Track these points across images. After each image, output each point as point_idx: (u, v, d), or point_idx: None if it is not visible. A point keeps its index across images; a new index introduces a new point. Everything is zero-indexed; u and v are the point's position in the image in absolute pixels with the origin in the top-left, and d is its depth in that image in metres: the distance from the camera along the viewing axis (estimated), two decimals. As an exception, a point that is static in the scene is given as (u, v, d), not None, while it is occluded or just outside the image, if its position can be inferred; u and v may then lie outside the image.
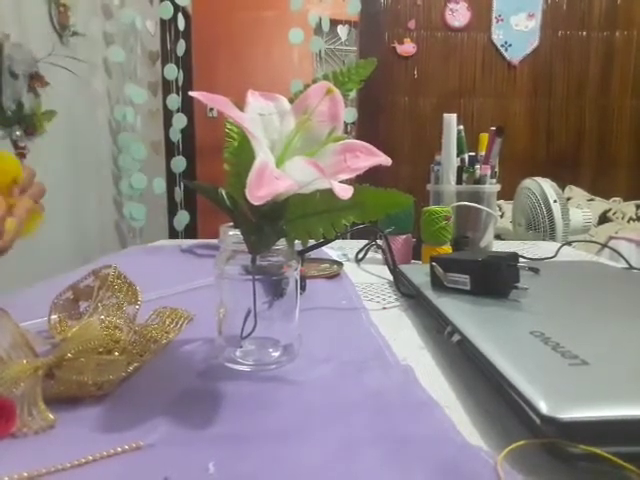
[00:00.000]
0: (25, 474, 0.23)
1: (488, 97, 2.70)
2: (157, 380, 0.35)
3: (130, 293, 0.39)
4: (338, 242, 0.96)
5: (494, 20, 2.66)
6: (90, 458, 0.25)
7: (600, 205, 2.57)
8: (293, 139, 0.32)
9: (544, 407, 0.25)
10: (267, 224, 0.33)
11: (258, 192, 0.26)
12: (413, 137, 2.72)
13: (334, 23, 2.65)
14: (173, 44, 2.47)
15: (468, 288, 0.48)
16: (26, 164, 0.41)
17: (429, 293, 0.50)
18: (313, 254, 0.70)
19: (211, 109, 3.49)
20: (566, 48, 2.68)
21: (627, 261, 0.77)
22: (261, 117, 0.32)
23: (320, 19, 2.47)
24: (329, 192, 0.28)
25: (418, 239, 0.78)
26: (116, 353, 0.32)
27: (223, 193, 0.35)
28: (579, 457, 0.23)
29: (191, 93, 0.28)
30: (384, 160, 0.31)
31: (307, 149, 0.32)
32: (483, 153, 0.86)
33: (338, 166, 0.31)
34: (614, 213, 2.54)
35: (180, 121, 2.39)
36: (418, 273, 0.58)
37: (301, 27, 2.37)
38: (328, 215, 0.35)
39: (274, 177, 0.28)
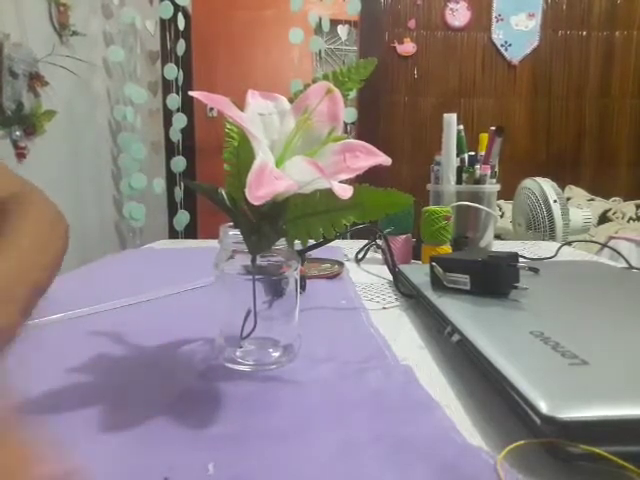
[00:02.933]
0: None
1: (488, 97, 2.70)
2: (157, 380, 0.35)
3: None
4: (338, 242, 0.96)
5: (494, 20, 2.65)
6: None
7: (600, 205, 2.57)
8: (293, 139, 0.32)
9: (544, 407, 0.25)
10: (267, 224, 0.33)
11: (258, 192, 0.26)
12: (413, 137, 2.72)
13: (334, 23, 2.65)
14: (173, 44, 2.47)
15: (468, 288, 0.48)
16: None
17: (429, 293, 0.50)
18: (314, 253, 0.70)
19: (211, 109, 3.49)
20: (566, 48, 2.68)
21: (627, 261, 0.77)
22: (261, 117, 0.32)
23: (320, 19, 2.47)
24: (329, 192, 0.28)
25: (418, 239, 0.78)
26: None
27: (223, 193, 0.35)
28: (579, 457, 0.23)
29: (191, 93, 0.28)
30: (384, 160, 0.31)
31: (307, 149, 0.32)
32: (483, 153, 0.86)
33: (338, 166, 0.31)
34: (614, 213, 2.54)
35: (180, 121, 2.39)
36: (418, 273, 0.58)
37: (301, 27, 2.37)
38: (328, 215, 0.35)
39: (274, 177, 0.28)
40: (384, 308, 0.54)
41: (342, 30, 2.66)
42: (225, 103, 0.29)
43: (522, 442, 0.25)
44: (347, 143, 0.32)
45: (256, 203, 0.26)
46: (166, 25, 2.61)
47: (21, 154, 1.45)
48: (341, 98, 0.33)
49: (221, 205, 0.34)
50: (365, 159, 0.31)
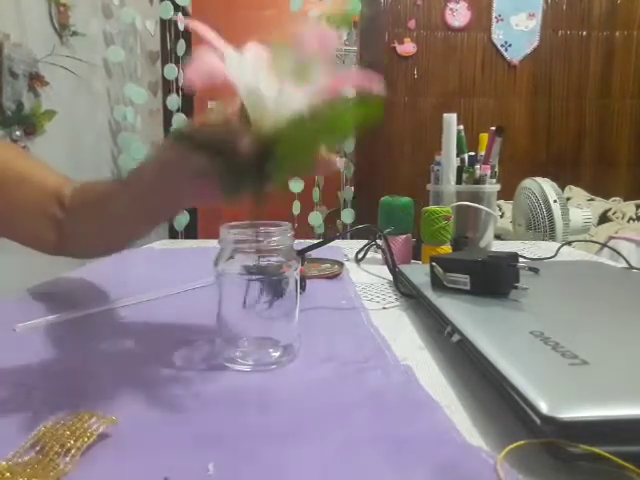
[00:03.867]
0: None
1: (488, 97, 2.70)
2: (157, 380, 0.35)
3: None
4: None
5: (494, 20, 2.65)
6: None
7: (600, 205, 2.57)
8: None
9: (544, 407, 0.25)
10: (255, 166, 0.33)
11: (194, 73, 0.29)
12: (413, 137, 2.71)
13: (334, 23, 2.65)
14: (173, 44, 2.47)
15: (468, 288, 0.48)
16: None
17: (429, 293, 0.50)
18: (314, 253, 0.70)
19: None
20: (566, 48, 2.68)
21: (627, 261, 0.77)
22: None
23: (320, 19, 2.46)
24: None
25: (418, 239, 0.78)
26: None
27: None
28: (579, 457, 0.23)
29: (184, 22, 0.31)
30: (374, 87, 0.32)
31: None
32: (483, 153, 0.86)
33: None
34: (614, 213, 2.54)
35: (180, 121, 2.39)
36: (418, 273, 0.58)
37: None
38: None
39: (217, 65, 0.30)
40: (384, 308, 0.54)
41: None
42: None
43: (522, 442, 0.25)
44: (346, 73, 0.34)
45: (190, 85, 0.28)
46: (166, 25, 2.61)
47: (21, 154, 1.45)
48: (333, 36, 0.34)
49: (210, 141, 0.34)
50: (344, 81, 0.33)
